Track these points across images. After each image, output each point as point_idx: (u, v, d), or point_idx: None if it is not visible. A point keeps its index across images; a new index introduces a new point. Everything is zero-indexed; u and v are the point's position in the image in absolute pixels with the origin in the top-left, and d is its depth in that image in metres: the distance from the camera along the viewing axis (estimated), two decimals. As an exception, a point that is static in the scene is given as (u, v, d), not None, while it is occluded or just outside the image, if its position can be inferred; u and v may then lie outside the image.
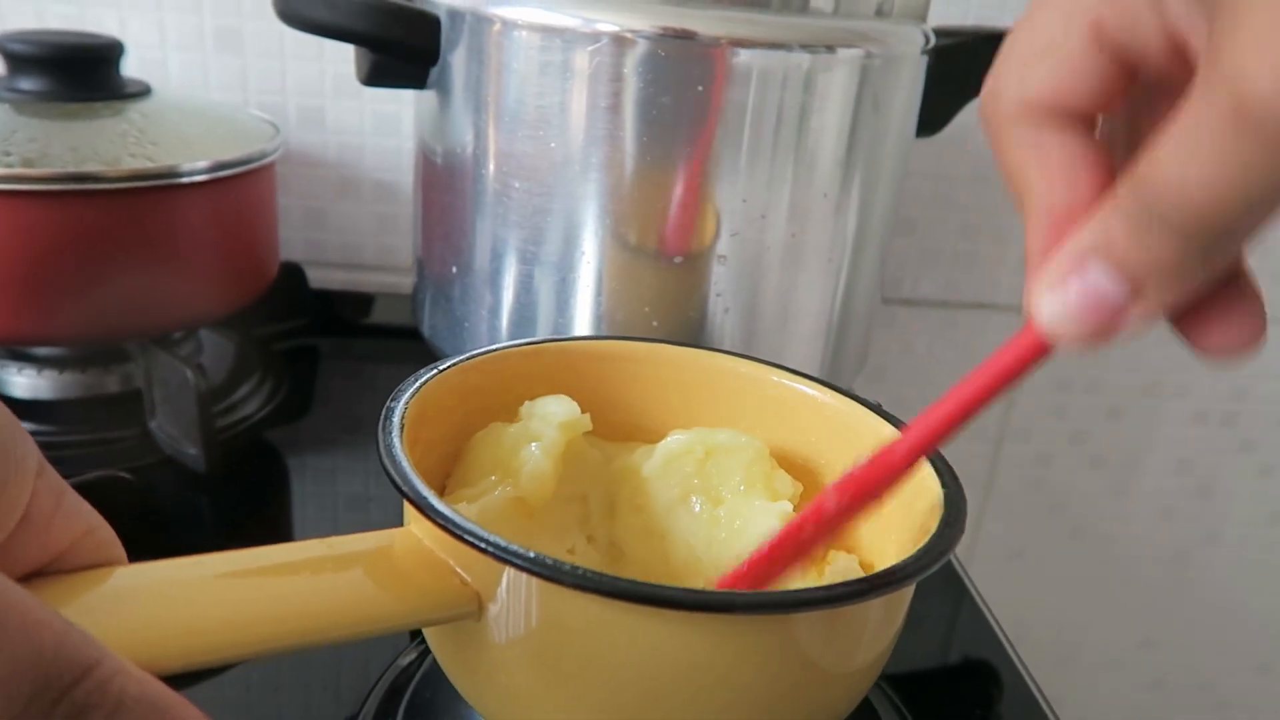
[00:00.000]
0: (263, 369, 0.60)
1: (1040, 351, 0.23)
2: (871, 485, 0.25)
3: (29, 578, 0.21)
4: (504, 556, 0.23)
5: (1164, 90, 0.21)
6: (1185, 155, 0.18)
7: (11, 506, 0.19)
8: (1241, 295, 0.21)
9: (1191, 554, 0.85)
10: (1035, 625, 0.85)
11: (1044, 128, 0.22)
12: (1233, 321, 0.21)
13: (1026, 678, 0.43)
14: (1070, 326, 0.21)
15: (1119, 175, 0.20)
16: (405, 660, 0.37)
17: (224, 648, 0.23)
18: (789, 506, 0.31)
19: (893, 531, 0.31)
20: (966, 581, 0.49)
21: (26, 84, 0.51)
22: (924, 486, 0.29)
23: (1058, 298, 0.21)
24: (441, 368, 0.31)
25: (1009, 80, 0.22)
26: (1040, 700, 0.41)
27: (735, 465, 0.32)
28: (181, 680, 0.19)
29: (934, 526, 0.27)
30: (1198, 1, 0.19)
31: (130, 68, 0.56)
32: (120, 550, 0.23)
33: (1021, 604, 0.83)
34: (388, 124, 0.67)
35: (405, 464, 0.26)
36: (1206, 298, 0.21)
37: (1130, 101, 0.22)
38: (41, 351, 0.54)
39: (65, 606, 0.21)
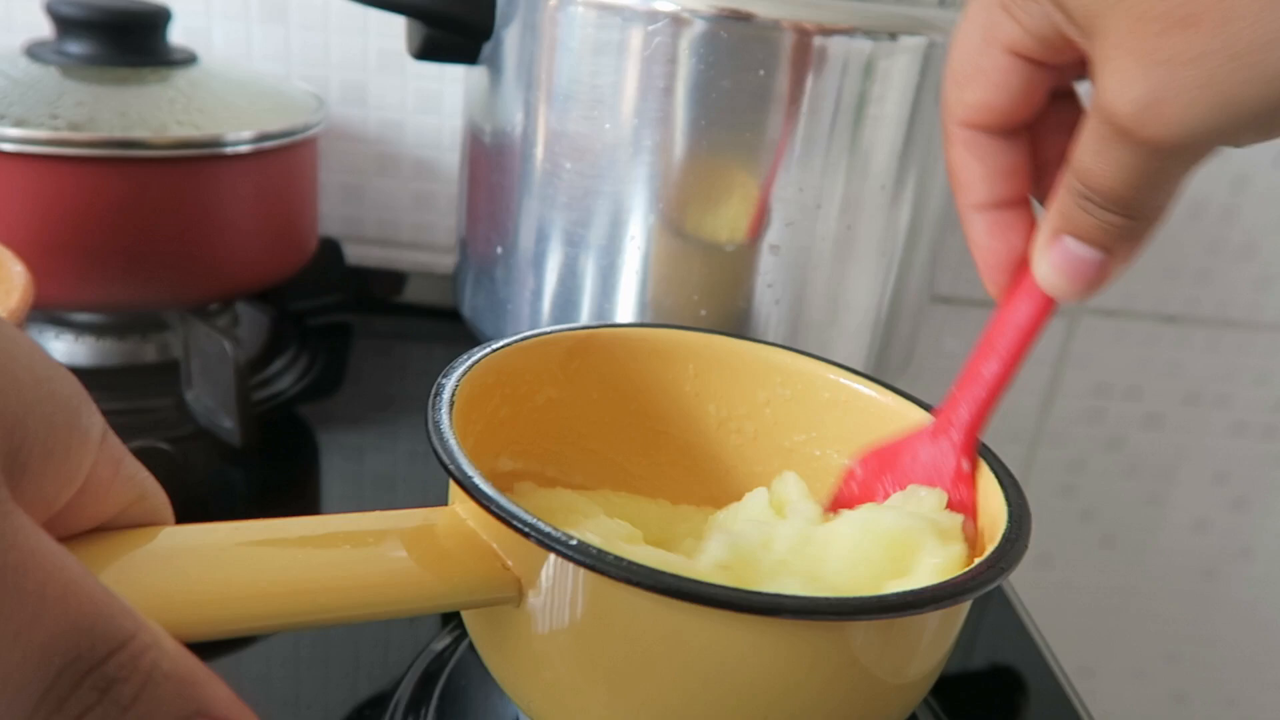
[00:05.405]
0: (297, 344, 0.59)
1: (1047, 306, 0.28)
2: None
3: (77, 536, 0.21)
4: (547, 542, 0.23)
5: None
6: (1090, 155, 0.24)
7: (73, 475, 0.19)
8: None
9: (1222, 568, 0.84)
10: (1059, 632, 0.84)
11: (982, 134, 0.27)
12: None
13: (1064, 683, 0.42)
14: (1063, 285, 0.26)
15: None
16: (439, 645, 0.37)
17: (263, 616, 0.22)
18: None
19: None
20: (1006, 586, 0.48)
21: (75, 47, 0.51)
22: (987, 499, 0.29)
23: (1045, 262, 0.26)
24: (495, 347, 0.30)
25: (949, 97, 0.27)
26: (1078, 706, 0.41)
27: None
28: (204, 652, 0.19)
29: (996, 539, 0.26)
30: (1077, 29, 0.23)
31: (174, 35, 0.55)
32: (170, 515, 0.23)
33: (1046, 610, 0.82)
34: (430, 101, 0.67)
35: (453, 442, 0.26)
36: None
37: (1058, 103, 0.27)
38: (80, 318, 0.54)
39: (108, 565, 0.21)
